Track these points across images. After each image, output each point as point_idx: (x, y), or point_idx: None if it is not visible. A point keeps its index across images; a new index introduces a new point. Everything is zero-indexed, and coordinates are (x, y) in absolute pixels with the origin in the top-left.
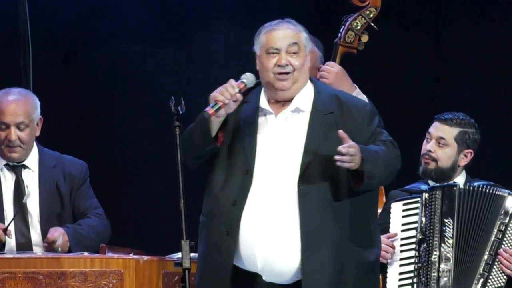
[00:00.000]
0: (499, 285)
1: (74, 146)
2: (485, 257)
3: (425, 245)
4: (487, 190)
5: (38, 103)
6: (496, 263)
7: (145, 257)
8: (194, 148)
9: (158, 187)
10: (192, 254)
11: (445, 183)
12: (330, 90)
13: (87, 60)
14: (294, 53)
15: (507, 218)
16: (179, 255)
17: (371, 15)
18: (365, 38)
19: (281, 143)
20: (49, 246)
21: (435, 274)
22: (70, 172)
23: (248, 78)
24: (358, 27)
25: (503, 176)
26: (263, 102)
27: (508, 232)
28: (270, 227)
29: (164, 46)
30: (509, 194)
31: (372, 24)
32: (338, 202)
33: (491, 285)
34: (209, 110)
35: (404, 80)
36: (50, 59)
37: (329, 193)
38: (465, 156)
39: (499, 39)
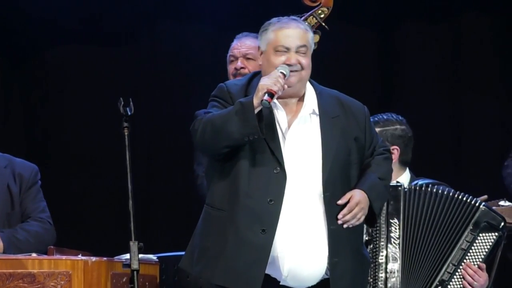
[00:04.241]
0: None
1: (23, 147)
2: (447, 265)
3: (371, 246)
4: (451, 194)
5: None
6: (457, 273)
7: (94, 258)
8: (230, 136)
9: (107, 188)
10: (141, 255)
11: (390, 184)
12: (327, 90)
13: (36, 62)
14: (303, 53)
15: (477, 230)
16: (127, 256)
17: (323, 15)
18: (316, 38)
19: (301, 146)
20: None
21: (383, 274)
22: (20, 173)
23: (286, 69)
24: None
25: (448, 174)
26: (275, 101)
27: (475, 244)
28: (304, 231)
29: (112, 46)
30: (483, 205)
31: (323, 24)
32: None
33: None
34: (268, 99)
35: (352, 80)
36: None
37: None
38: (391, 152)
39: (449, 39)
